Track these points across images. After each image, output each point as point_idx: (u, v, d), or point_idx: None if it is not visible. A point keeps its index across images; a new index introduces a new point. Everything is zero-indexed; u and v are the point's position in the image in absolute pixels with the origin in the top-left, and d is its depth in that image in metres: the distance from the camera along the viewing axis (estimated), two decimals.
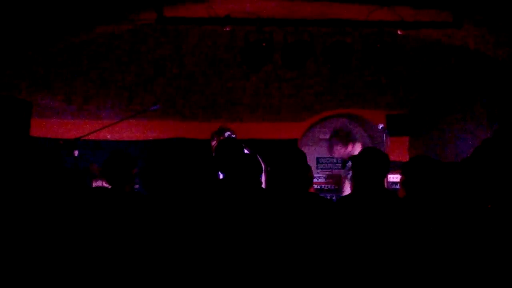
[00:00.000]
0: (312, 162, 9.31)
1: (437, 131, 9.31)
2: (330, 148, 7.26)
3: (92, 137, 7.04)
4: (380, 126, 7.01)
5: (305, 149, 9.39)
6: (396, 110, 9.65)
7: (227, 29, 6.67)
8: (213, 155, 5.37)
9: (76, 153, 6.38)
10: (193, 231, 3.52)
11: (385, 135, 6.91)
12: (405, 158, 6.97)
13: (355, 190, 4.08)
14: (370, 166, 4.04)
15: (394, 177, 6.43)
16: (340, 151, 7.14)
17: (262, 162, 4.44)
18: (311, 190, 5.29)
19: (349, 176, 6.36)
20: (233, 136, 6.25)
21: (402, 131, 9.60)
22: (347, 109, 9.82)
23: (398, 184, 6.30)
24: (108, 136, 8.25)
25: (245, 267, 3.50)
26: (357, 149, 6.97)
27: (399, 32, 6.78)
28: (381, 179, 4.15)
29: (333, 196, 7.86)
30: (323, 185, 8.56)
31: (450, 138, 9.10)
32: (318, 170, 9.10)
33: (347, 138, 7.19)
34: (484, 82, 8.24)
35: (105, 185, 6.40)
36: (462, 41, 7.44)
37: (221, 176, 4.72)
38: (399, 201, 3.99)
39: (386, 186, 5.91)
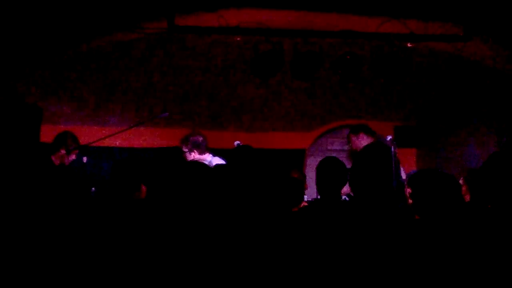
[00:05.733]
0: None
1: (444, 144, 9.31)
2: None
3: (101, 143, 7.07)
4: (389, 137, 6.99)
5: (312, 159, 9.46)
6: (404, 122, 9.66)
7: (238, 38, 6.70)
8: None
9: (85, 159, 6.42)
10: (204, 238, 3.53)
11: (393, 147, 6.91)
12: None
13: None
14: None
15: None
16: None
17: None
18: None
19: None
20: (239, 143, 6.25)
21: (410, 143, 9.61)
22: (355, 120, 9.82)
23: None
24: (117, 143, 8.27)
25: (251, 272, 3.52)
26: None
27: (408, 45, 6.80)
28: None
29: None
30: None
31: (457, 151, 9.09)
32: None
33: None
34: (493, 95, 8.24)
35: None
36: (471, 54, 7.44)
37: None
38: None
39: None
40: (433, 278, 3.38)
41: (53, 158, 6.13)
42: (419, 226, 3.69)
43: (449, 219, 3.56)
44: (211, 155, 6.56)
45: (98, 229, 3.77)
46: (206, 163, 6.14)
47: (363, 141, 6.99)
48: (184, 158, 6.52)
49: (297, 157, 9.43)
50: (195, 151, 6.51)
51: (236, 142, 6.29)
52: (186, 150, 6.50)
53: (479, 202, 3.57)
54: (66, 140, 6.20)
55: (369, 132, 7.04)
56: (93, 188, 6.09)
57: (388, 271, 3.55)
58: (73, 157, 6.30)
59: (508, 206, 3.41)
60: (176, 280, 3.38)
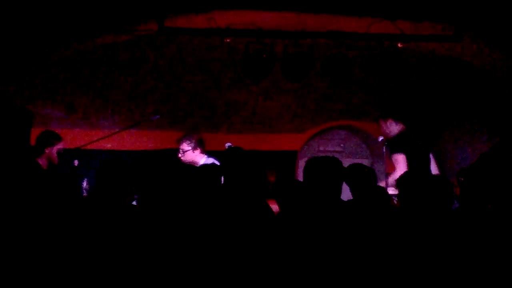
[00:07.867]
0: None
1: (436, 144, 9.32)
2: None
3: (92, 146, 7.05)
4: (380, 138, 7.00)
5: (304, 161, 9.43)
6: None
7: (228, 40, 6.69)
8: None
9: (76, 162, 6.38)
10: (194, 242, 3.52)
11: (385, 148, 6.92)
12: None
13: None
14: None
15: (393, 190, 6.43)
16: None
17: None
18: None
19: None
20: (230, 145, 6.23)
21: None
22: (347, 121, 9.83)
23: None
24: (108, 146, 8.25)
25: (242, 271, 3.51)
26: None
27: (399, 45, 6.81)
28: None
29: None
30: None
31: (450, 151, 9.10)
32: None
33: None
34: (483, 96, 8.25)
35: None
36: (462, 55, 7.46)
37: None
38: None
39: None
40: (424, 277, 3.38)
41: (39, 161, 6.01)
42: (414, 224, 3.69)
43: (439, 219, 3.56)
44: (206, 156, 6.56)
45: (88, 232, 3.75)
46: (202, 164, 6.17)
47: (392, 127, 6.97)
48: (179, 159, 6.50)
49: (289, 159, 9.42)
50: (199, 148, 6.51)
51: (227, 144, 6.29)
52: (189, 148, 6.48)
53: (470, 201, 3.57)
54: (47, 139, 6.09)
55: (398, 118, 7.02)
56: (84, 182, 6.03)
57: (381, 268, 3.55)
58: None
59: (498, 205, 3.41)
60: (170, 280, 3.37)
